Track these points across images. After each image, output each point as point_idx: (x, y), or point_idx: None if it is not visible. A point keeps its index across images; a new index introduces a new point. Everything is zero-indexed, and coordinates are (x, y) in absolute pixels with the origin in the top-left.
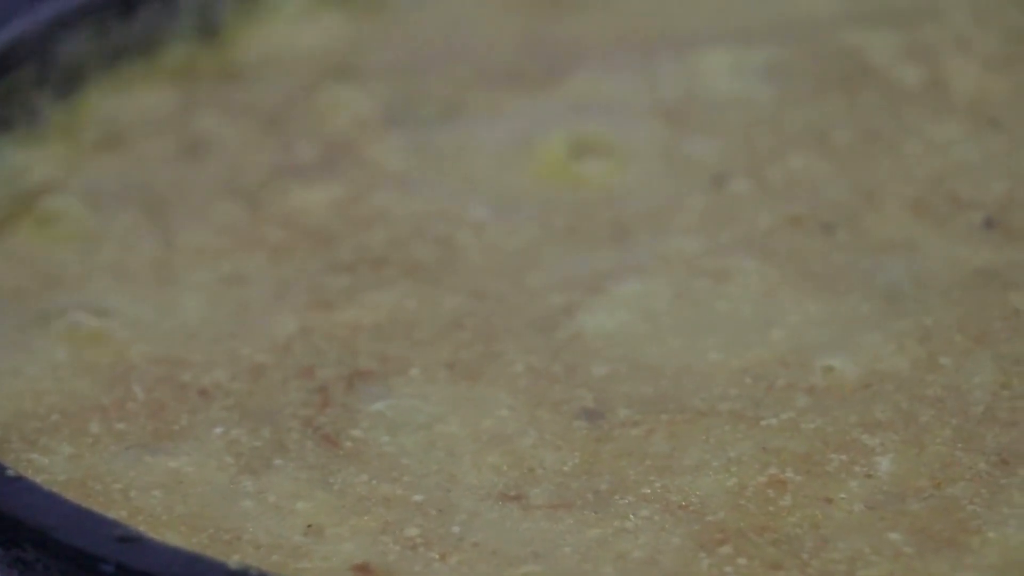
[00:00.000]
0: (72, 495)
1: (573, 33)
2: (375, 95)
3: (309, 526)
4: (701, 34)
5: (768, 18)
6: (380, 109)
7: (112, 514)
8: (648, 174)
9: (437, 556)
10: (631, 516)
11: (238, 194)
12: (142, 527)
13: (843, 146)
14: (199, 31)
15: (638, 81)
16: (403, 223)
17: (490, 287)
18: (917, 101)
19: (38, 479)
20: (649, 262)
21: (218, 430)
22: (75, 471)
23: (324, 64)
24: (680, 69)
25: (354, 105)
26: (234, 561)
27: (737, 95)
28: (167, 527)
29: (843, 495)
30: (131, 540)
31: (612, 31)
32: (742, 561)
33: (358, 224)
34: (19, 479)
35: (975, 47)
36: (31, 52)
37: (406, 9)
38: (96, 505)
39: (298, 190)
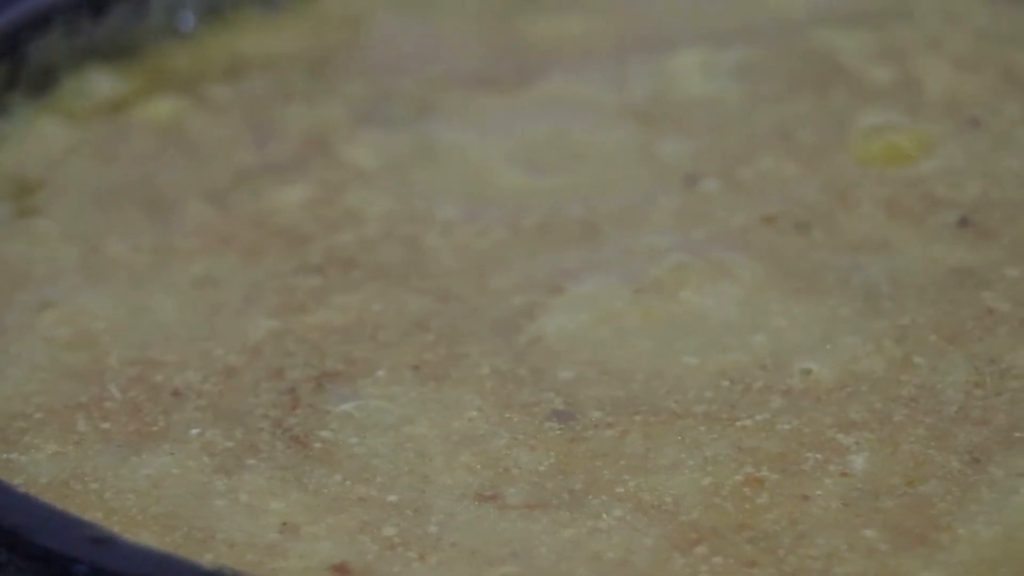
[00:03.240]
0: (51, 496)
1: (545, 35)
2: (347, 96)
3: (284, 524)
4: (672, 35)
5: (739, 19)
6: (352, 110)
7: (88, 515)
8: (620, 174)
9: (416, 556)
10: (604, 516)
11: (210, 195)
12: (117, 527)
13: (815, 145)
14: (170, 32)
15: (610, 82)
16: (373, 224)
17: (455, 289)
18: (889, 100)
19: (17, 480)
20: (619, 263)
21: (195, 431)
22: (58, 471)
23: (296, 64)
24: (651, 70)
25: (326, 105)
26: (208, 561)
27: (709, 95)
28: (142, 527)
29: (819, 492)
30: (104, 541)
31: (584, 33)
32: (717, 560)
33: (329, 224)
34: None
35: (946, 47)
36: (1, 52)
37: (376, 11)
38: (73, 506)
39: (270, 190)
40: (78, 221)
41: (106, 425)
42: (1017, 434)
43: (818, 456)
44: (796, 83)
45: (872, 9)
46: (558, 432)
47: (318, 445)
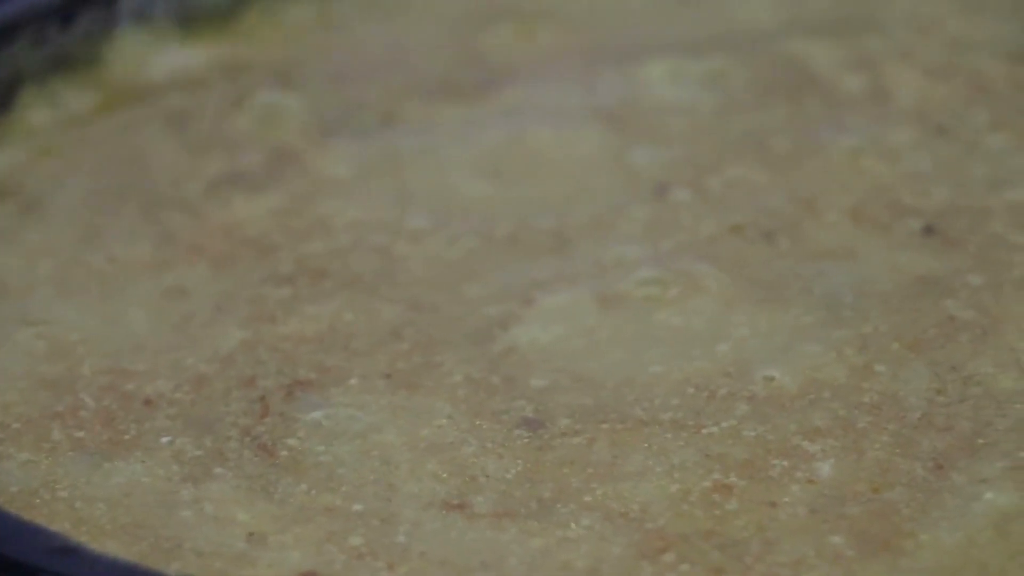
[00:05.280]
0: (20, 504)
1: (513, 45)
2: (315, 105)
3: (251, 534)
4: (643, 45)
5: (710, 30)
6: (320, 119)
7: (57, 524)
8: (589, 184)
9: (384, 566)
10: (573, 525)
11: (179, 204)
12: (86, 537)
13: (785, 154)
14: (139, 41)
15: (579, 91)
16: (343, 233)
17: (428, 298)
18: (859, 109)
19: None
20: (589, 273)
21: (165, 439)
22: (29, 480)
23: (264, 74)
24: (622, 78)
25: (294, 115)
26: (175, 570)
27: (680, 104)
28: (110, 536)
29: (787, 499)
30: (69, 551)
31: (553, 42)
32: (685, 567)
33: (298, 234)
34: None
35: (916, 56)
36: None
37: (345, 21)
38: (43, 515)
39: (239, 200)
40: (50, 232)
41: (80, 434)
42: (980, 440)
43: (785, 463)
44: (767, 92)
45: (843, 19)
46: (526, 440)
47: (284, 453)
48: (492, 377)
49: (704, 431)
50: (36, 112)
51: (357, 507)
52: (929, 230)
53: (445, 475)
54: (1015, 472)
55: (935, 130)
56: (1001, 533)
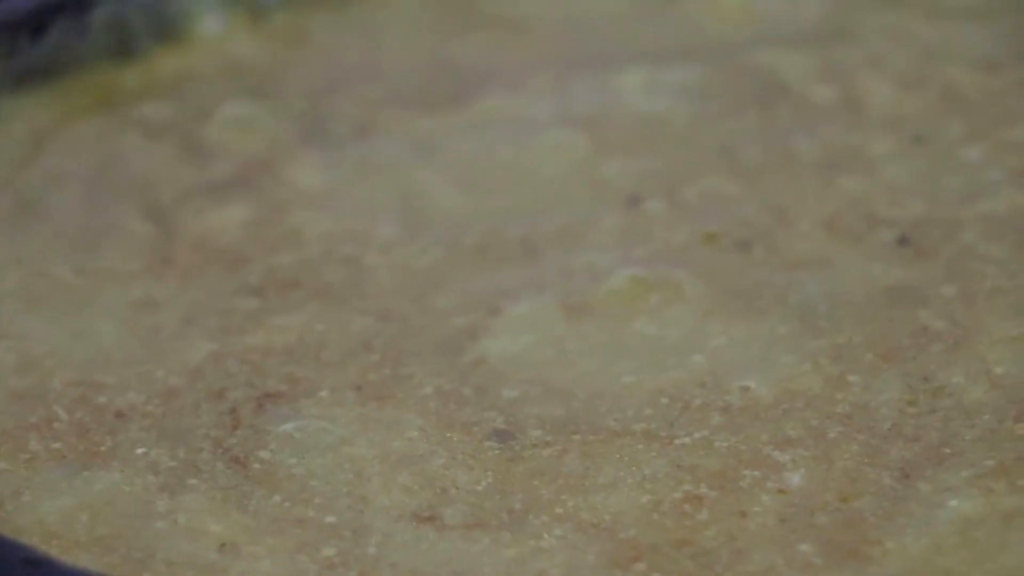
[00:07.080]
0: None
1: (486, 56)
2: (289, 115)
3: (223, 545)
4: (615, 56)
5: (682, 41)
6: (293, 129)
7: (27, 535)
8: (561, 194)
9: None
10: (545, 535)
11: (151, 215)
12: (57, 548)
13: (758, 164)
14: (112, 52)
15: (552, 102)
16: (314, 243)
17: (398, 309)
18: (833, 119)
19: None
20: (558, 283)
21: (140, 450)
22: (2, 488)
23: (238, 84)
24: (595, 88)
25: (268, 125)
26: None
27: (652, 114)
28: (83, 548)
29: (757, 509)
30: (38, 563)
31: (525, 54)
32: None
33: (269, 245)
34: None
35: (888, 66)
36: None
37: (320, 32)
38: (16, 525)
39: (211, 210)
40: (18, 243)
41: (57, 445)
42: (947, 450)
43: (755, 473)
44: (740, 102)
45: (814, 29)
46: (497, 451)
47: (257, 466)
48: (463, 388)
49: (676, 442)
50: (7, 123)
51: (330, 519)
52: (903, 240)
53: (416, 487)
54: (980, 480)
55: (910, 140)
56: (966, 540)
